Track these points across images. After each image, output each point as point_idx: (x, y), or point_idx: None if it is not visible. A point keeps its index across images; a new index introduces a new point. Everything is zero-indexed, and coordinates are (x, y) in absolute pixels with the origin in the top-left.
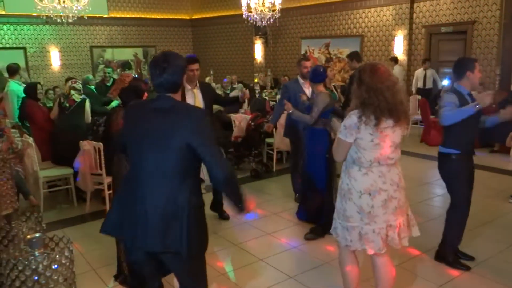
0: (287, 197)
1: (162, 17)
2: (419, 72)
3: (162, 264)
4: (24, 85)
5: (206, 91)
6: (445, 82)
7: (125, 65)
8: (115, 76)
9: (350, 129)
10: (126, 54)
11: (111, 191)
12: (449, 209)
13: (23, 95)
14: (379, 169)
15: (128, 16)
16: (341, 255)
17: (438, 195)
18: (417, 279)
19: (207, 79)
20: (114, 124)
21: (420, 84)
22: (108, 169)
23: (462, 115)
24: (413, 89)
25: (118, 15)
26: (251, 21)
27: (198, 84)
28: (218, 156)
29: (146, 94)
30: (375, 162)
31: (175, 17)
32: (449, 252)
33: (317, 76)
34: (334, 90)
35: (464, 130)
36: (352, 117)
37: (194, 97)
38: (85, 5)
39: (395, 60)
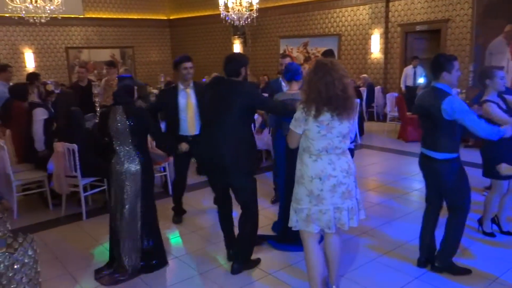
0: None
1: (139, 17)
2: (408, 69)
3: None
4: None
5: (201, 91)
6: (421, 80)
7: (110, 63)
8: (92, 77)
9: (298, 121)
10: (103, 55)
11: (87, 193)
12: (451, 217)
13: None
14: (328, 157)
15: (104, 16)
16: (305, 247)
17: (416, 189)
18: (394, 272)
19: None
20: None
21: (409, 82)
22: (97, 167)
23: (498, 135)
24: (402, 86)
25: (94, 16)
26: (229, 21)
27: (192, 85)
28: (273, 106)
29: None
30: (323, 151)
31: (153, 18)
32: (452, 262)
33: (287, 72)
34: None
35: (459, 134)
36: (300, 110)
37: (187, 97)
38: (58, 5)
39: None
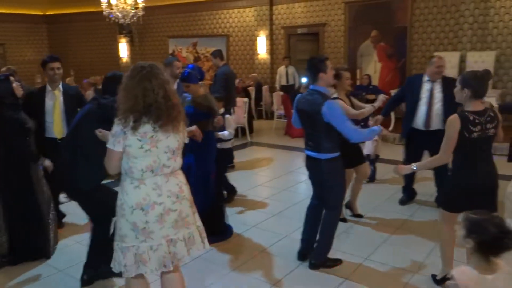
0: None
1: (9, 11)
2: (281, 70)
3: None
4: None
5: (70, 94)
6: (304, 80)
7: None
8: None
9: (116, 137)
10: None
11: None
12: (327, 214)
13: None
14: (153, 181)
15: None
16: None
17: (301, 181)
18: (278, 263)
19: (67, 80)
20: None
21: (283, 81)
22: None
23: (371, 136)
24: (277, 86)
25: None
26: (113, 19)
27: (61, 86)
28: None
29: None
30: (147, 172)
31: (26, 13)
32: (327, 258)
33: (201, 74)
34: None
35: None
36: (117, 123)
37: (55, 99)
38: None
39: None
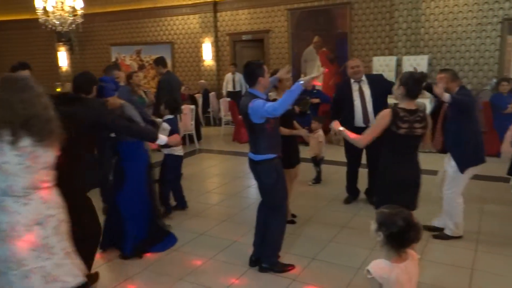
0: None
1: None
2: (228, 76)
3: None
4: None
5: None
6: None
7: None
8: None
9: None
10: None
11: None
12: (271, 217)
13: None
14: (38, 196)
15: None
16: None
17: (249, 186)
18: (227, 269)
19: None
20: None
21: (230, 87)
22: None
23: (292, 95)
24: (224, 92)
25: None
26: (50, 27)
27: None
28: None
29: None
30: (30, 189)
31: None
32: (276, 260)
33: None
34: (144, 95)
35: (275, 133)
36: None
37: None
38: None
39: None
